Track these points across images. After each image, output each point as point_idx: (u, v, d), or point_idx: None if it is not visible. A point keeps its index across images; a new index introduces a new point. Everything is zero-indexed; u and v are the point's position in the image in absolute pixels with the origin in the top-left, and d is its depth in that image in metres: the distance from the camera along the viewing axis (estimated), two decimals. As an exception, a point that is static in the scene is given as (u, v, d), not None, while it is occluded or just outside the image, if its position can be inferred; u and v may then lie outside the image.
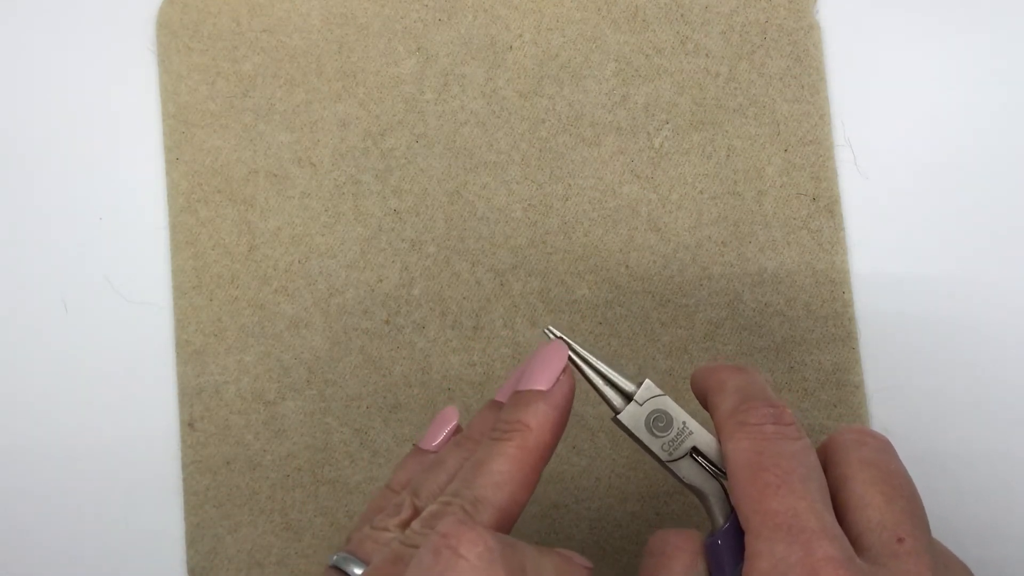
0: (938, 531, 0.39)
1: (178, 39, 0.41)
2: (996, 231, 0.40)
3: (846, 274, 0.39)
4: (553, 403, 0.28)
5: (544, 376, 0.28)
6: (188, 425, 0.40)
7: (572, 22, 0.40)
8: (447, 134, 0.40)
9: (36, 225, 0.41)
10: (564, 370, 0.29)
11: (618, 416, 0.29)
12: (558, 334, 0.30)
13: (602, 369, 0.29)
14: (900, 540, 0.25)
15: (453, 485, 0.27)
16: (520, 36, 0.40)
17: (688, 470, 0.28)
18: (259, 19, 0.41)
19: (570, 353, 0.29)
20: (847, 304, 0.39)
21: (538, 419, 0.28)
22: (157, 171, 0.41)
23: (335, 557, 0.27)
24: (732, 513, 0.27)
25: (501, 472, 0.26)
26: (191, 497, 0.39)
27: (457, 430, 0.31)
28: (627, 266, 0.40)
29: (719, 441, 0.28)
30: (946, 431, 0.39)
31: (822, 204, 0.39)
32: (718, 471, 0.28)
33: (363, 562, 0.26)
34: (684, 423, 0.29)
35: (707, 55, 0.40)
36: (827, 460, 0.27)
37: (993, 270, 0.39)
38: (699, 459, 0.28)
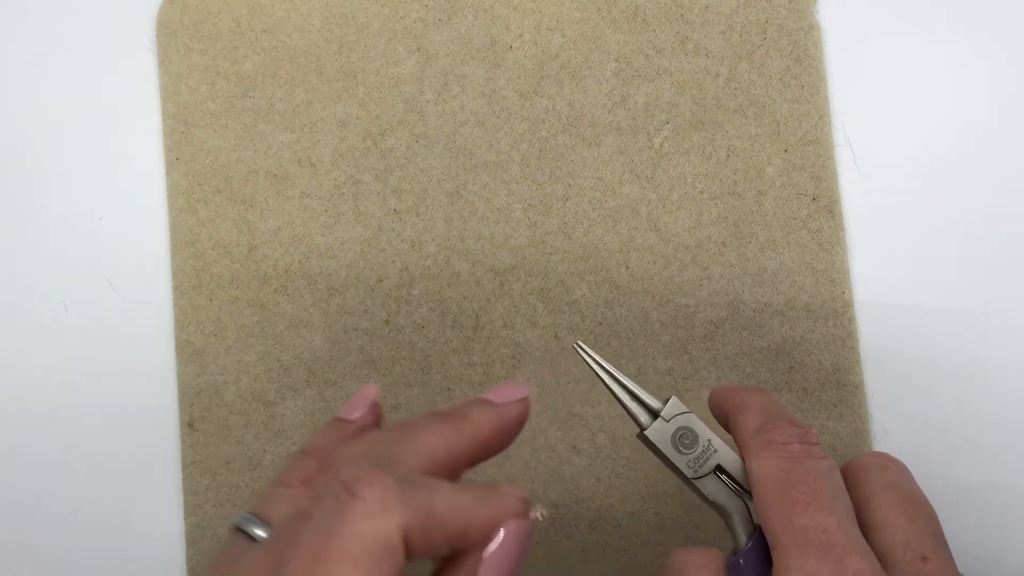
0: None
1: (178, 39, 0.41)
2: (996, 231, 0.40)
3: (846, 274, 0.39)
4: (499, 413, 0.27)
5: (499, 396, 0.28)
6: (188, 425, 0.40)
7: (572, 22, 0.40)
8: (447, 134, 0.40)
9: (36, 225, 0.41)
10: (521, 400, 0.28)
11: (645, 432, 0.29)
12: (587, 348, 0.30)
13: (628, 385, 0.29)
14: (925, 559, 0.25)
15: (375, 448, 0.26)
16: (520, 36, 0.40)
17: (713, 487, 0.28)
18: (259, 19, 0.41)
19: (595, 368, 0.30)
20: (847, 304, 0.39)
21: (480, 416, 0.27)
22: (157, 171, 0.41)
23: (236, 518, 0.25)
24: (755, 532, 0.27)
25: (427, 445, 0.25)
26: (191, 497, 0.39)
27: (376, 407, 0.30)
28: (627, 266, 0.40)
29: (743, 460, 0.28)
30: (946, 431, 0.39)
31: (822, 204, 0.39)
32: (742, 489, 0.28)
33: (265, 523, 0.25)
34: (709, 440, 0.29)
35: (707, 55, 0.40)
36: (849, 483, 0.28)
37: (994, 270, 0.39)
38: (723, 477, 0.29)
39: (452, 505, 0.23)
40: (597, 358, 0.30)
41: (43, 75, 0.42)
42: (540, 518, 0.25)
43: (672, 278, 0.39)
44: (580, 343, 0.30)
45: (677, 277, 0.39)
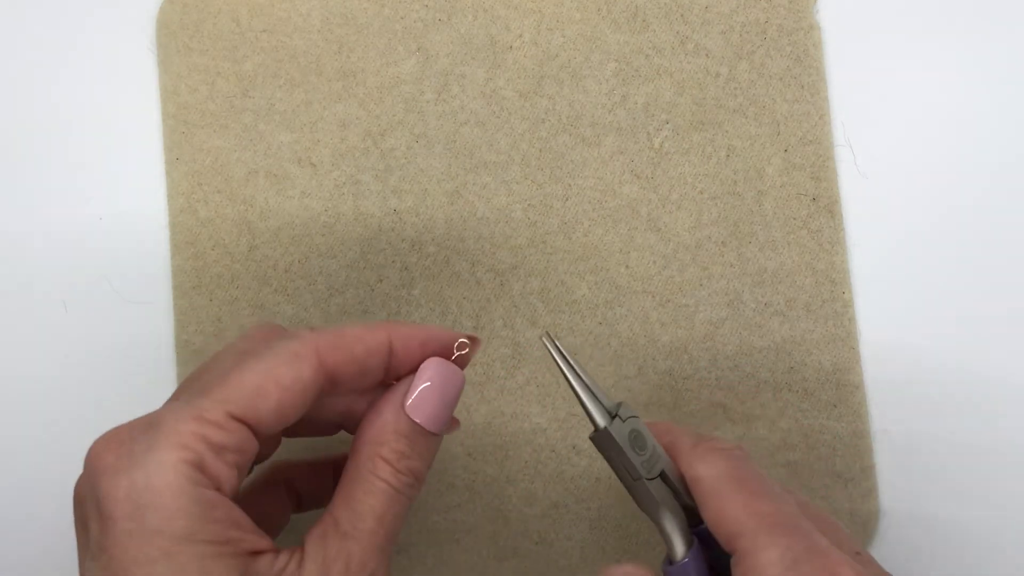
0: (939, 530, 0.39)
1: (178, 39, 0.41)
2: (996, 230, 0.40)
3: (846, 274, 0.39)
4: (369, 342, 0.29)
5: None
6: (188, 425, 0.40)
7: (572, 22, 0.40)
8: (447, 134, 0.40)
9: (36, 225, 0.41)
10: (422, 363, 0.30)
11: (608, 429, 0.29)
12: (555, 342, 0.30)
13: (589, 384, 0.29)
14: (858, 553, 0.28)
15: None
16: (520, 36, 0.40)
17: (661, 491, 0.29)
18: (259, 19, 0.41)
19: (560, 363, 0.30)
20: (847, 304, 0.39)
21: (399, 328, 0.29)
22: (157, 171, 0.41)
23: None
24: (695, 543, 0.28)
25: (351, 327, 0.29)
26: (191, 497, 0.39)
27: None
28: (627, 266, 0.40)
29: (680, 470, 0.29)
30: (946, 431, 0.39)
31: (822, 204, 0.39)
32: (683, 496, 0.29)
33: None
34: (654, 446, 0.29)
35: (707, 55, 0.40)
36: None
37: (994, 269, 0.39)
38: (666, 482, 0.29)
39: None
40: (564, 352, 0.30)
41: (43, 75, 0.42)
42: (465, 350, 0.30)
43: (672, 278, 0.39)
44: (548, 335, 0.30)
45: (677, 277, 0.39)
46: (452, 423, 0.31)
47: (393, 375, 0.29)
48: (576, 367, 0.29)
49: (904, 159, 0.40)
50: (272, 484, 0.32)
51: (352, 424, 0.31)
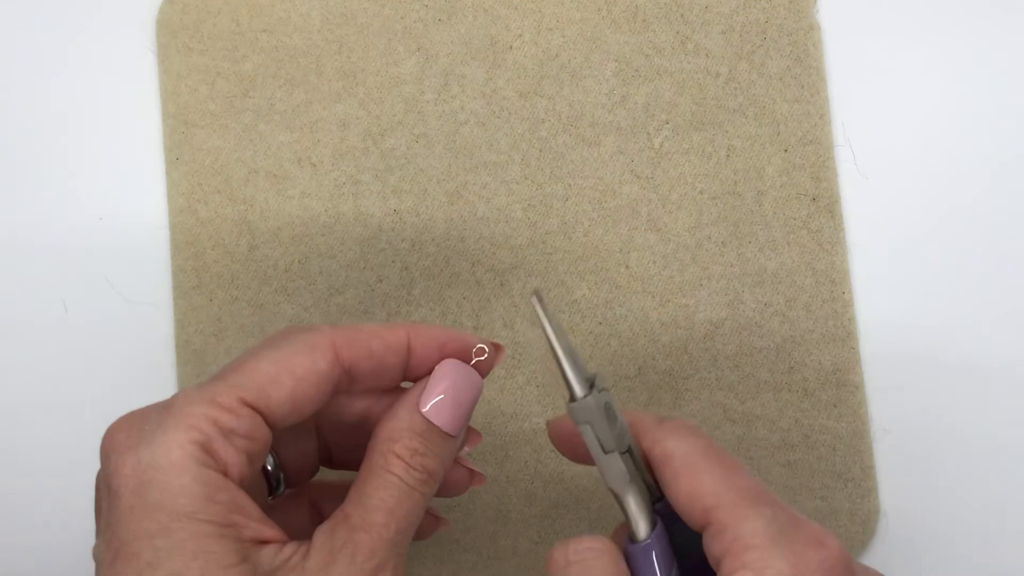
0: (939, 530, 0.39)
1: (178, 39, 0.41)
2: (996, 230, 0.40)
3: (846, 274, 0.39)
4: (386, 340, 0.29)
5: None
6: (188, 425, 0.40)
7: (572, 22, 0.40)
8: (447, 134, 0.40)
9: (36, 225, 0.41)
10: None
11: (586, 398, 0.28)
12: (544, 304, 0.28)
13: (572, 351, 0.28)
14: (825, 536, 0.28)
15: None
16: (520, 36, 0.40)
17: (630, 466, 0.28)
18: (259, 19, 0.41)
19: (547, 327, 0.28)
20: (847, 304, 0.39)
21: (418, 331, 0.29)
22: (157, 171, 0.41)
23: None
24: (659, 521, 0.28)
25: (370, 326, 0.29)
26: (191, 497, 0.39)
27: None
28: (627, 266, 0.40)
29: (646, 447, 0.29)
30: (946, 431, 0.39)
31: (822, 204, 0.39)
32: (645, 474, 0.29)
33: None
34: (623, 421, 0.29)
35: (707, 55, 0.40)
36: None
37: (993, 269, 0.39)
38: (632, 459, 0.29)
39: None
40: (551, 315, 0.28)
41: (43, 75, 0.42)
42: (483, 355, 0.29)
43: (672, 278, 0.39)
44: (538, 294, 0.28)
45: (677, 277, 0.39)
46: (472, 435, 0.31)
47: (412, 376, 0.29)
48: (565, 337, 0.28)
49: (904, 159, 0.40)
50: (296, 499, 0.32)
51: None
